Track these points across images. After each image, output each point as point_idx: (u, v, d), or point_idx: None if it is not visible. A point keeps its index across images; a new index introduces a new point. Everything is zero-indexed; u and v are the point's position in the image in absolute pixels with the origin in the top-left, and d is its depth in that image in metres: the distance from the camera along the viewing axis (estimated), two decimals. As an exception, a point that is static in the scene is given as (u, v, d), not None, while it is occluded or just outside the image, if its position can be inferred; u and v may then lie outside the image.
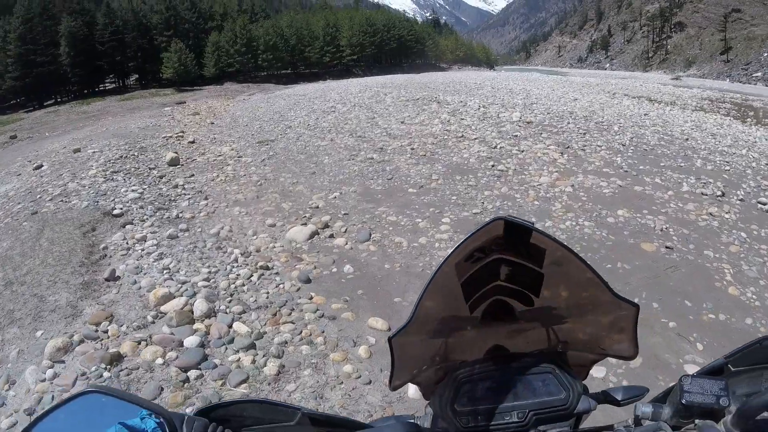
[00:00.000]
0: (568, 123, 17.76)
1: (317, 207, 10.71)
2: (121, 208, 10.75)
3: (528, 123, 17.67)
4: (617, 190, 10.91)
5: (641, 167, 12.53)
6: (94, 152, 17.20)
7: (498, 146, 14.62)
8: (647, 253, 8.17)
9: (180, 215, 10.78)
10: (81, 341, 5.94)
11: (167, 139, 19.81)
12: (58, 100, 74.73)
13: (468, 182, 11.69)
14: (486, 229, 0.79)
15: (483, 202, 10.47)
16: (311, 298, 6.96)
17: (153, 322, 6.37)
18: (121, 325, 6.24)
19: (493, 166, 12.76)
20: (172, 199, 12.01)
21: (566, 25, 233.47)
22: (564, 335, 0.96)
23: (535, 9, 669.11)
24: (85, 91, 76.95)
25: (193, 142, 19.06)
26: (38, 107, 69.68)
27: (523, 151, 14.04)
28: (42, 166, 16.23)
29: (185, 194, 12.37)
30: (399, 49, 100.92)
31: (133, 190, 12.19)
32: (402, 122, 18.10)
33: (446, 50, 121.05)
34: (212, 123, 24.11)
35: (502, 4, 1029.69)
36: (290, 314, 6.54)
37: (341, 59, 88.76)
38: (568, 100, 24.62)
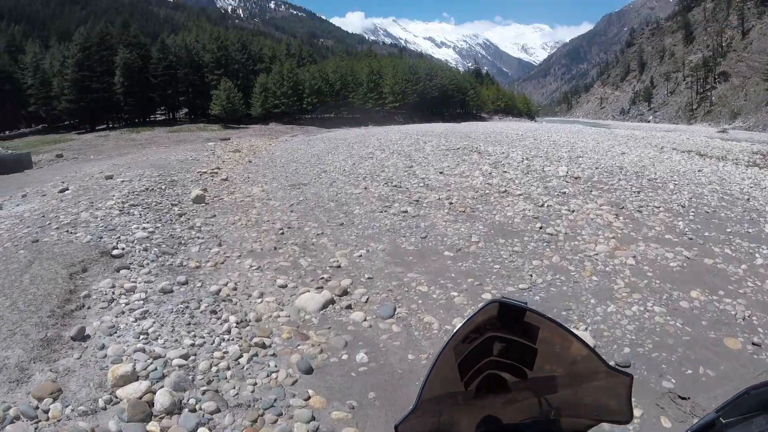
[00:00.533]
0: (619, 179, 15.92)
1: (339, 266, 9.22)
2: (123, 249, 9.44)
3: (576, 178, 15.89)
4: (685, 264, 9.18)
5: (706, 233, 10.87)
6: (123, 181, 16.45)
7: (545, 204, 12.92)
8: (732, 353, 6.46)
9: (184, 263, 9.31)
10: (15, 418, 4.72)
11: (201, 174, 18.78)
12: (110, 125, 76.32)
13: (513, 247, 10.04)
14: (482, 311, 0.82)
15: (531, 275, 8.76)
16: (308, 398, 5.33)
17: (104, 409, 4.93)
18: (67, 406, 4.93)
19: (541, 228, 11.11)
20: (183, 242, 10.62)
21: (608, 76, 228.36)
22: (557, 403, 0.96)
23: (576, 60, 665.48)
24: (136, 120, 78.12)
25: (226, 179, 18.02)
26: (90, 130, 71.50)
27: (573, 211, 12.34)
28: (67, 189, 15.54)
29: (198, 238, 11.02)
30: (440, 98, 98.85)
31: (144, 228, 10.90)
32: (441, 172, 16.64)
33: (487, 100, 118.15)
34: (250, 161, 23.12)
35: (544, 55, 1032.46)
36: (275, 422, 4.90)
37: (383, 105, 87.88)
38: (616, 154, 22.84)
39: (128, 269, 8.56)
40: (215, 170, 20.02)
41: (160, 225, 11.49)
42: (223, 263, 9.48)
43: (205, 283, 8.40)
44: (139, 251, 9.49)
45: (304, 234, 11.27)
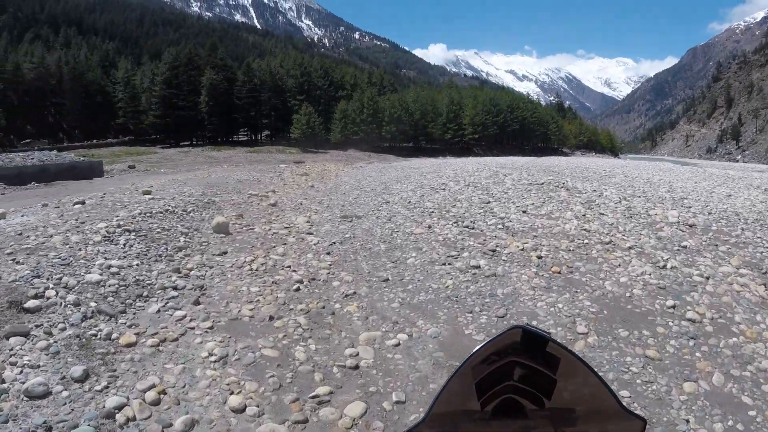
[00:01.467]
0: (743, 229, 11.97)
1: (356, 366, 5.66)
2: (42, 301, 6.43)
3: (691, 226, 12.11)
4: None
5: None
6: (151, 198, 15.12)
7: (668, 265, 9.02)
8: None
9: (115, 335, 6.03)
10: None
11: (249, 197, 17.15)
12: (193, 142, 78.42)
13: (644, 348, 6.15)
14: (505, 335, 0.83)
15: (688, 418, 4.90)
16: None
17: None
18: None
19: (674, 308, 7.21)
20: (147, 294, 7.48)
21: (694, 112, 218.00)
22: None
23: (661, 95, 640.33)
24: (219, 139, 79.38)
25: (274, 204, 16.22)
26: (174, 145, 73.70)
27: (707, 277, 8.46)
28: (84, 203, 14.26)
29: (174, 289, 7.82)
30: (521, 131, 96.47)
31: (107, 267, 7.99)
32: (524, 211, 13.34)
33: (569, 135, 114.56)
34: (312, 186, 21.79)
35: (627, 89, 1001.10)
36: None
37: (462, 137, 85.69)
38: (722, 196, 18.92)
39: (26, 337, 5.55)
40: (268, 193, 18.37)
41: (137, 262, 8.60)
42: (174, 341, 6.09)
43: (112, 386, 4.99)
44: (61, 307, 6.43)
45: (328, 293, 8.05)
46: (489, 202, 14.67)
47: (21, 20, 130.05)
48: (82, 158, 39.21)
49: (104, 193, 16.95)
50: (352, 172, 30.60)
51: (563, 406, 0.91)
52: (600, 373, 0.88)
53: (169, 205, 13.82)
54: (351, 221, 13.39)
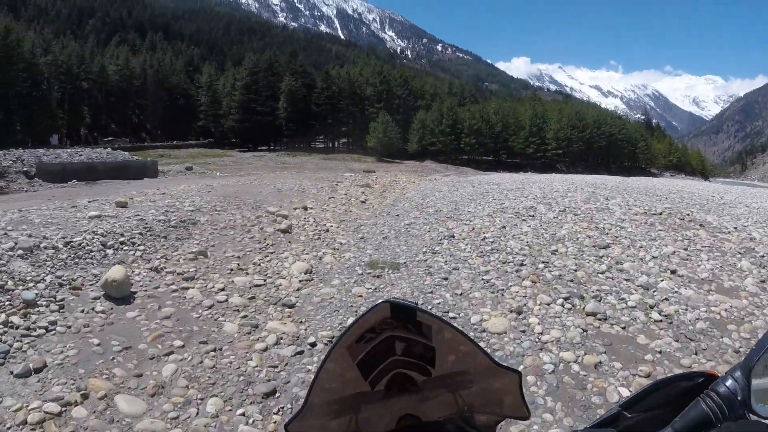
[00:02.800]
0: None
1: None
2: None
3: None
4: None
5: None
6: (99, 219, 10.92)
7: None
8: None
9: None
10: None
11: (261, 216, 12.75)
12: (271, 147, 78.21)
13: None
14: (373, 311, 0.82)
15: None
16: None
17: None
18: None
19: None
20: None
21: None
22: (467, 399, 0.96)
23: (751, 116, 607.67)
24: (297, 145, 78.30)
25: (286, 230, 11.61)
26: (252, 149, 73.34)
27: None
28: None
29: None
30: (607, 148, 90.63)
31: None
32: (672, 272, 8.59)
33: (658, 154, 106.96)
34: (364, 202, 17.78)
35: (716, 109, 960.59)
36: None
37: (545, 152, 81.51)
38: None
39: None
40: (295, 210, 14.18)
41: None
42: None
43: None
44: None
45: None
46: (607, 246, 10.01)
47: (108, 24, 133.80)
48: (136, 158, 38.15)
49: (129, 196, 14.49)
50: (422, 186, 26.91)
51: (448, 371, 0.92)
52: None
53: (112, 229, 9.66)
54: (379, 275, 8.85)
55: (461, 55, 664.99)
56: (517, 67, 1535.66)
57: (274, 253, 10.00)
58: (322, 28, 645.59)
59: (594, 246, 10.08)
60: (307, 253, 10.06)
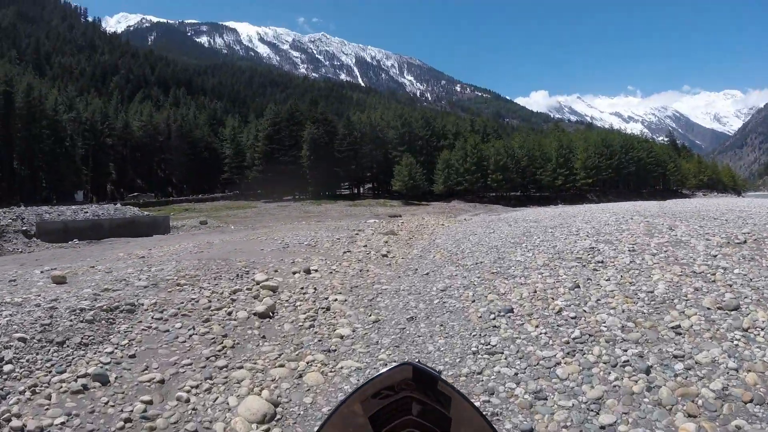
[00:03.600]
0: None
1: None
2: None
3: None
4: None
5: None
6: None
7: None
8: None
9: None
10: None
11: (255, 286, 10.13)
12: (296, 196, 76.77)
13: None
14: (395, 371, 0.82)
15: None
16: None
17: None
18: None
19: None
20: None
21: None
22: None
23: None
24: (322, 193, 77.26)
25: (266, 315, 8.74)
26: (277, 200, 72.14)
27: None
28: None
29: None
30: (637, 173, 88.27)
31: None
32: None
33: (688, 174, 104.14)
34: (386, 255, 15.02)
35: (738, 123, 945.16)
36: None
37: (574, 182, 78.93)
38: None
39: None
40: (287, 277, 11.24)
41: None
42: None
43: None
44: None
45: None
46: (737, 308, 7.10)
47: (132, 81, 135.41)
48: (146, 213, 36.86)
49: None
50: (452, 229, 23.68)
51: None
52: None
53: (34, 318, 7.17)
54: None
55: (480, 94, 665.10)
56: (536, 101, 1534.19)
57: (226, 367, 6.71)
58: (343, 76, 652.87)
59: (719, 308, 7.10)
60: (280, 365, 6.84)
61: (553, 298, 8.33)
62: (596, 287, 8.72)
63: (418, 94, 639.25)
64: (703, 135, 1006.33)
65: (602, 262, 10.68)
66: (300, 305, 9.36)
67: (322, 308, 9.26)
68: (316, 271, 12.01)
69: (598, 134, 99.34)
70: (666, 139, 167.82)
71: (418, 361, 0.81)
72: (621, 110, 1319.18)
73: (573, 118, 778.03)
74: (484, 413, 0.84)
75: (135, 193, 74.78)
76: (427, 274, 11.87)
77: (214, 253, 14.28)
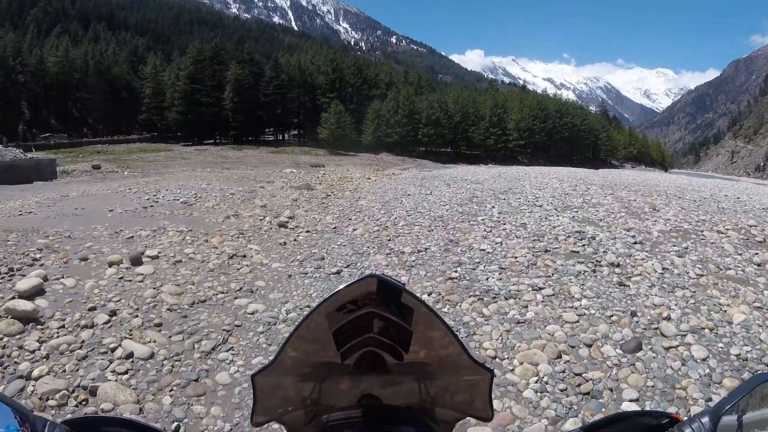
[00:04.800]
0: None
1: None
2: None
3: None
4: None
5: None
6: None
7: None
8: None
9: None
10: None
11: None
12: (217, 140, 73.32)
13: None
14: (359, 284, 0.81)
15: None
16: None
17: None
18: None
19: None
20: None
21: (740, 127, 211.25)
22: (433, 391, 0.96)
23: (702, 109, 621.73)
24: (245, 138, 73.48)
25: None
26: (197, 143, 68.17)
27: None
28: None
29: None
30: (569, 139, 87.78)
31: None
32: None
33: (619, 145, 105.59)
34: (283, 226, 11.23)
35: (667, 101, 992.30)
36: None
37: (507, 143, 77.46)
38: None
39: None
40: (58, 293, 9.03)
41: None
42: None
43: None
44: None
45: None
46: None
47: (50, 15, 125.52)
48: (31, 156, 33.08)
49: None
50: (380, 186, 21.55)
51: (420, 359, 0.91)
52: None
53: None
54: None
55: (415, 47, 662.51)
56: (471, 60, 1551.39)
57: None
58: (276, 19, 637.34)
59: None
60: None
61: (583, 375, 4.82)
62: (660, 338, 5.47)
63: (352, 42, 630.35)
64: (632, 109, 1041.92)
65: (618, 265, 7.90)
66: (62, 361, 4.91)
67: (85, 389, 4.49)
68: (155, 259, 7.94)
69: (534, 97, 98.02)
70: (597, 110, 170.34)
71: (383, 274, 0.80)
72: (554, 76, 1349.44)
73: (506, 79, 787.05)
74: (446, 322, 0.84)
75: (47, 134, 68.89)
76: (338, 272, 8.13)
77: (35, 218, 10.65)
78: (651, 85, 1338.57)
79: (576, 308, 6.33)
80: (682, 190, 20.54)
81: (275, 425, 0.85)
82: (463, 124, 75.08)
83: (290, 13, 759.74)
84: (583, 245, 8.95)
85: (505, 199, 15.02)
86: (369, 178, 26.29)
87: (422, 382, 0.94)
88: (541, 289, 6.95)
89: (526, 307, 6.42)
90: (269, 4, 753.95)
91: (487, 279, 7.44)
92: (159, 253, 8.20)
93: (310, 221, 12.24)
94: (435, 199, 15.56)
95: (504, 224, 10.99)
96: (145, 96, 77.80)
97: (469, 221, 11.40)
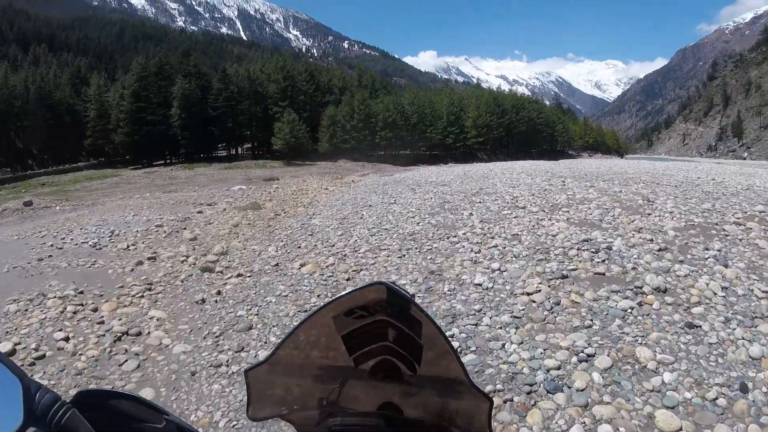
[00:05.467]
0: None
1: None
2: None
3: None
4: None
5: None
6: None
7: None
8: None
9: None
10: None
11: None
12: (169, 160, 69.38)
13: None
14: (368, 289, 0.81)
15: None
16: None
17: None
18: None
19: None
20: None
21: (690, 111, 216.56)
22: (448, 409, 0.93)
23: (651, 96, 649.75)
24: (202, 155, 70.12)
25: None
26: (147, 165, 64.71)
27: None
28: None
29: None
30: (527, 133, 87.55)
31: None
32: None
33: (575, 136, 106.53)
34: (208, 269, 9.32)
35: (617, 91, 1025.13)
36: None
37: (465, 141, 76.45)
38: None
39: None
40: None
41: None
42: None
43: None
44: None
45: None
46: None
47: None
48: None
49: None
50: (339, 195, 19.62)
51: (432, 373, 0.90)
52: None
53: None
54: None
55: (368, 51, 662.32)
56: (425, 61, 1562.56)
57: None
58: (224, 30, 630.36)
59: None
60: None
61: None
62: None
63: (304, 49, 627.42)
64: (583, 100, 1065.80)
65: (665, 291, 6.09)
66: None
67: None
68: (10, 355, 5.05)
69: (490, 93, 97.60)
70: (552, 103, 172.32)
71: (393, 282, 0.78)
72: (507, 73, 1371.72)
73: (460, 79, 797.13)
74: (451, 342, 0.84)
75: (-12, 169, 64.63)
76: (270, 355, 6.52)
77: None
78: (601, 77, 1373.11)
79: (660, 392, 4.23)
80: (654, 175, 19.37)
81: (283, 423, 0.97)
82: (420, 125, 73.52)
83: (238, 23, 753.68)
84: (604, 261, 7.14)
85: (480, 202, 13.38)
86: (327, 189, 24.44)
87: (440, 397, 0.91)
88: (590, 356, 4.76)
89: (586, 406, 4.15)
90: (216, 15, 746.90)
91: (504, 347, 5.17)
92: (16, 345, 6.01)
93: (246, 257, 10.05)
94: (401, 209, 13.66)
95: (492, 237, 9.17)
96: (90, 119, 73.30)
97: (448, 237, 9.53)
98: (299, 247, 10.37)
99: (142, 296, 7.61)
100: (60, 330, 6.44)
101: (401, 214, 12.67)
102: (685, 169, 25.81)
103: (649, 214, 9.99)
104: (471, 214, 11.71)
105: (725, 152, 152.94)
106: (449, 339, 0.83)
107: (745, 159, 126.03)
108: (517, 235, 9.12)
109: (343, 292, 0.80)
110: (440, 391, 0.89)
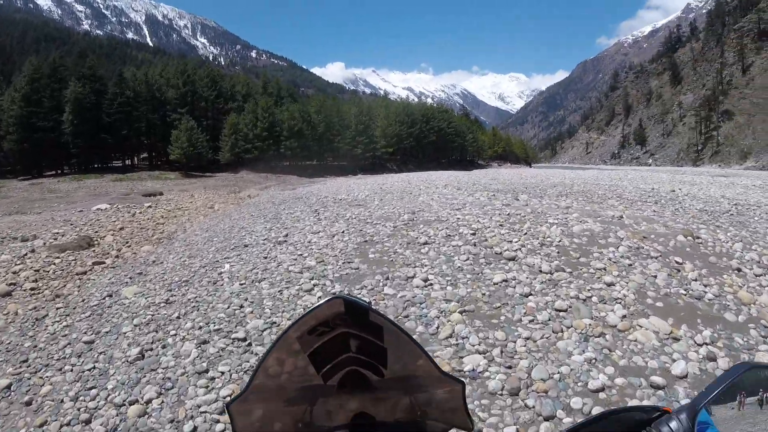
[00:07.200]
0: None
1: None
2: None
3: None
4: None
5: None
6: None
7: None
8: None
9: None
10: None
11: None
12: (62, 171, 62.35)
13: None
14: (326, 305, 0.82)
15: None
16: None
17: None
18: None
19: None
20: None
21: (592, 121, 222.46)
22: (421, 404, 0.96)
23: (553, 107, 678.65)
24: (96, 166, 63.95)
25: None
26: (37, 176, 57.99)
27: None
28: None
29: None
30: (436, 143, 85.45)
31: None
32: None
33: (484, 145, 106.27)
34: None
35: (521, 103, 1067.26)
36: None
37: (375, 151, 73.90)
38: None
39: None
40: None
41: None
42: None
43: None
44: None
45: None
46: None
47: None
48: None
49: None
50: (217, 220, 15.59)
51: (399, 374, 0.91)
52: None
53: None
54: None
55: (276, 61, 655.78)
56: (333, 73, 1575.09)
57: None
58: (130, 35, 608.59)
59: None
60: None
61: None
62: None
63: (211, 57, 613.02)
64: (488, 112, 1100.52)
65: None
66: None
67: None
68: None
69: (399, 103, 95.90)
70: (459, 113, 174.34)
71: (349, 293, 0.79)
72: (413, 85, 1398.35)
73: (368, 90, 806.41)
74: (413, 337, 0.85)
75: None
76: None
77: None
78: (505, 89, 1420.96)
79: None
80: (590, 184, 17.63)
81: None
82: (327, 134, 70.50)
83: (145, 29, 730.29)
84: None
85: (425, 242, 8.75)
86: (212, 208, 21.25)
87: (409, 395, 0.93)
88: None
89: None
90: (123, 20, 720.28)
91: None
92: None
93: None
94: (290, 258, 8.75)
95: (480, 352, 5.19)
96: (-23, 127, 65.16)
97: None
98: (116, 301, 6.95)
99: None
100: None
101: (287, 277, 7.78)
102: (613, 177, 24.51)
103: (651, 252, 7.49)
104: (426, 280, 7.14)
105: (629, 159, 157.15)
106: (411, 335, 0.84)
107: (650, 165, 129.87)
108: (518, 333, 5.50)
109: (303, 314, 0.82)
110: (409, 388, 0.91)
